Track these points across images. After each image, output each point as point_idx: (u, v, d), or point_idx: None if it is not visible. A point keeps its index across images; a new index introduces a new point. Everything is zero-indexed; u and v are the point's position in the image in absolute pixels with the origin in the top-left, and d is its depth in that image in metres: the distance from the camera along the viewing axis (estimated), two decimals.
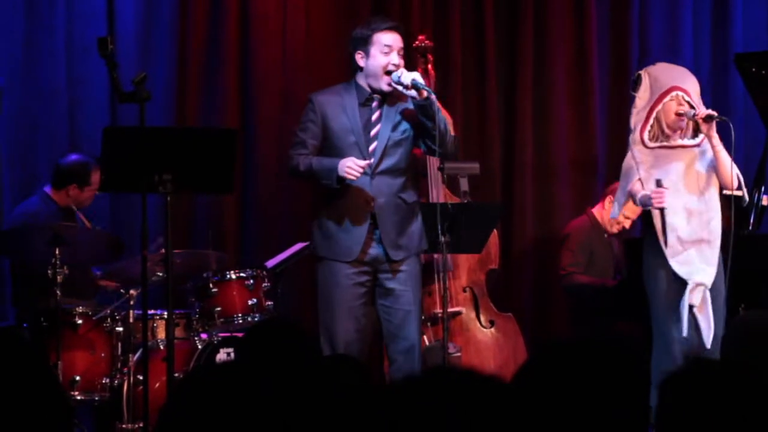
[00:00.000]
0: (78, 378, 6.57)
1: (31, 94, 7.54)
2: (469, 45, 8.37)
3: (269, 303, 6.91)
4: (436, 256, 6.99)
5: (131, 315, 6.68)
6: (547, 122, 8.45)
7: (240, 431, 2.34)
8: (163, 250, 5.98)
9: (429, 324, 7.26)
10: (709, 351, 5.98)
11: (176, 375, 5.74)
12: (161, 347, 6.69)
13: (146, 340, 5.74)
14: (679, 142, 6.31)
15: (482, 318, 7.66)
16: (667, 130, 6.29)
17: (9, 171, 7.50)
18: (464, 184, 7.56)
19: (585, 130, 8.49)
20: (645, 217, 6.42)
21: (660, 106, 6.29)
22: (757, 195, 7.01)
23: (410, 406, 2.17)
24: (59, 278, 6.32)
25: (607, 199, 7.75)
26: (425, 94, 5.80)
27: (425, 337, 7.13)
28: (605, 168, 8.43)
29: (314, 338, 5.55)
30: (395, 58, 5.93)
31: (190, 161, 5.54)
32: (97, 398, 6.66)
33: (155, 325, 6.87)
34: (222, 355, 6.75)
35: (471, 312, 7.65)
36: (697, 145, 6.30)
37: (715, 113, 6.20)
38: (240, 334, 6.81)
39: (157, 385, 6.41)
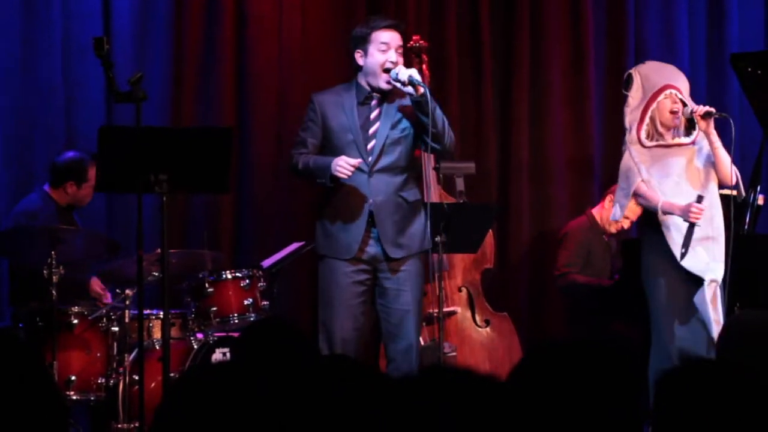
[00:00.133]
0: (73, 378, 6.56)
1: (27, 91, 7.54)
2: (464, 45, 8.38)
3: (265, 303, 6.91)
4: (431, 255, 6.99)
5: (127, 315, 6.68)
6: (543, 123, 8.46)
7: (236, 431, 2.34)
8: (158, 250, 5.98)
9: (424, 323, 7.25)
10: (707, 352, 5.98)
11: (172, 375, 5.73)
12: (157, 347, 6.69)
13: (142, 339, 5.72)
14: (676, 140, 6.32)
15: (477, 318, 7.67)
16: (661, 129, 6.31)
17: (5, 169, 7.50)
18: (460, 184, 7.57)
19: (581, 130, 8.49)
20: (645, 219, 6.41)
21: (654, 105, 6.30)
22: (753, 195, 7.01)
23: (406, 405, 2.17)
24: (55, 278, 6.31)
25: (607, 199, 7.75)
26: (421, 90, 5.81)
27: (420, 337, 7.13)
28: (601, 168, 8.43)
29: (310, 338, 5.56)
30: (393, 56, 5.95)
31: (186, 161, 5.54)
32: (92, 398, 6.66)
33: (151, 324, 6.86)
34: (218, 355, 6.75)
35: (466, 312, 7.66)
36: (692, 143, 6.31)
37: (713, 110, 6.22)
38: (236, 334, 6.81)
39: (153, 385, 6.40)
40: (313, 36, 8.08)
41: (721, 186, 6.31)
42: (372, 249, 5.97)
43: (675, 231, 6.18)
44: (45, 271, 6.32)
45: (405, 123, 5.99)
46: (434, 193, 7.28)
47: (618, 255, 7.80)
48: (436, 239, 6.17)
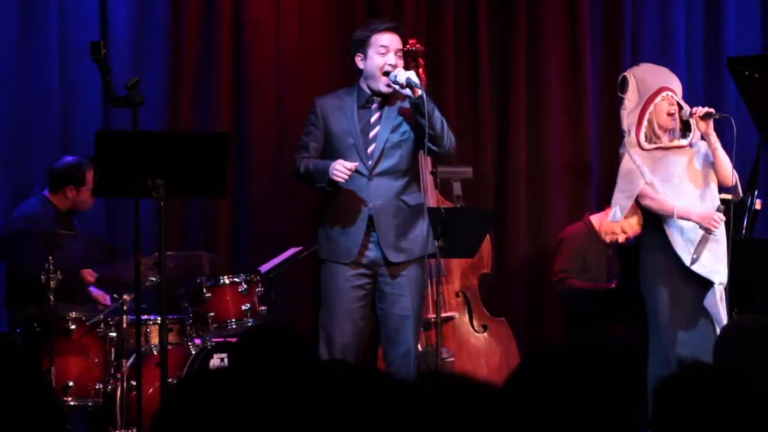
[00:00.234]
0: (71, 383, 6.55)
1: (24, 95, 7.53)
2: (462, 49, 8.37)
3: (263, 308, 6.90)
4: (429, 260, 6.99)
5: (124, 320, 6.67)
6: (541, 127, 8.45)
7: None
8: (156, 254, 5.98)
9: (422, 329, 7.25)
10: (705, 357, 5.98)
11: (170, 380, 5.73)
12: (155, 352, 6.68)
13: (139, 345, 5.72)
14: (675, 142, 6.32)
15: (475, 323, 7.66)
16: (658, 131, 6.31)
17: (2, 173, 7.50)
18: (457, 189, 7.56)
19: (578, 134, 8.49)
20: (645, 223, 6.40)
21: (651, 107, 6.31)
22: (750, 199, 7.01)
23: (404, 411, 2.17)
24: (52, 283, 6.31)
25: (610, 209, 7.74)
26: (419, 92, 5.82)
27: (419, 343, 7.13)
28: (599, 173, 8.43)
29: (308, 343, 5.56)
30: (392, 59, 5.95)
31: (183, 166, 5.54)
32: (90, 404, 6.65)
33: (148, 330, 6.86)
34: (215, 361, 6.74)
35: (464, 317, 7.65)
36: (689, 145, 6.32)
37: (713, 110, 6.24)
38: (233, 340, 6.80)
39: (151, 390, 6.40)
40: (311, 40, 8.08)
41: (720, 187, 6.32)
42: (372, 253, 5.97)
43: (679, 235, 6.18)
44: (42, 276, 6.32)
45: (405, 126, 5.99)
46: (431, 198, 7.28)
47: (615, 260, 7.80)
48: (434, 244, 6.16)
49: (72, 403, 6.58)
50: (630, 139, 6.31)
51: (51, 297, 6.32)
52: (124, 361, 6.63)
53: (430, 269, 6.32)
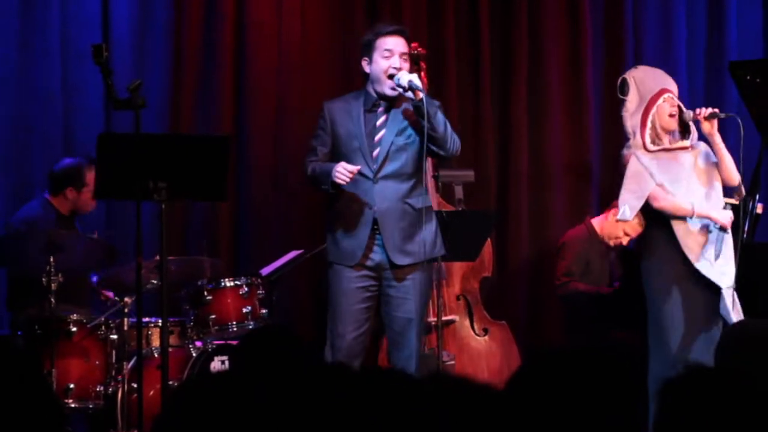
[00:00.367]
0: (72, 386, 6.55)
1: (25, 98, 7.53)
2: (463, 52, 8.37)
3: (264, 311, 6.90)
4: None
5: (125, 323, 6.67)
6: (542, 129, 8.45)
7: None
8: (157, 257, 5.98)
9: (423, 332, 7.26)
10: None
11: (171, 383, 5.73)
12: (155, 355, 6.68)
13: (140, 347, 5.72)
14: (680, 143, 6.34)
15: (476, 326, 7.66)
16: (660, 133, 6.32)
17: (3, 176, 7.50)
18: (459, 192, 7.57)
19: (580, 137, 8.48)
20: (651, 227, 6.39)
21: (654, 109, 6.31)
22: (752, 203, 7.02)
23: (405, 413, 2.17)
24: (53, 285, 6.31)
25: (611, 213, 7.74)
26: (420, 95, 5.83)
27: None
28: (600, 175, 8.43)
29: (309, 346, 5.56)
30: (396, 62, 5.96)
31: (184, 169, 5.54)
32: (91, 406, 6.65)
33: (150, 332, 6.86)
34: (216, 363, 6.74)
35: (465, 320, 7.65)
36: (691, 146, 6.34)
37: (717, 110, 6.25)
38: (234, 342, 6.80)
39: (152, 392, 6.40)
40: (312, 42, 8.09)
41: (724, 186, 6.34)
42: (377, 256, 5.97)
43: (688, 237, 6.19)
44: (43, 279, 6.32)
45: (411, 129, 5.99)
46: (433, 202, 7.28)
47: (617, 263, 7.80)
48: None
49: (73, 406, 6.58)
50: (636, 141, 6.31)
51: (52, 299, 6.32)
52: (125, 363, 6.64)
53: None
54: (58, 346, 6.44)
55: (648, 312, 6.30)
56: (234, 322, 6.83)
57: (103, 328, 6.66)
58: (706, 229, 6.21)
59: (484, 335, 7.68)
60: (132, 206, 5.53)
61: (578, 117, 8.48)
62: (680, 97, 6.48)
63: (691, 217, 6.19)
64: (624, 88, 6.38)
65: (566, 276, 7.70)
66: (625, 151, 6.37)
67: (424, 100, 5.82)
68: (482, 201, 8.15)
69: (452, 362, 7.40)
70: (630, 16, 8.59)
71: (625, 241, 7.75)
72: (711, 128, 6.24)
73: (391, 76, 5.94)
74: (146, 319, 6.70)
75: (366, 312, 5.99)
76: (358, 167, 5.86)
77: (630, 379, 2.42)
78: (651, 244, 6.34)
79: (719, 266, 6.17)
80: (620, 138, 6.55)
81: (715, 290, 6.18)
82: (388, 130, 6.00)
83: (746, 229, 6.92)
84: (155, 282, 6.55)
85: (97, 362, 6.66)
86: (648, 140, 6.30)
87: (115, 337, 6.68)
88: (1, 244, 6.66)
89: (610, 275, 7.85)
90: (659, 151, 6.31)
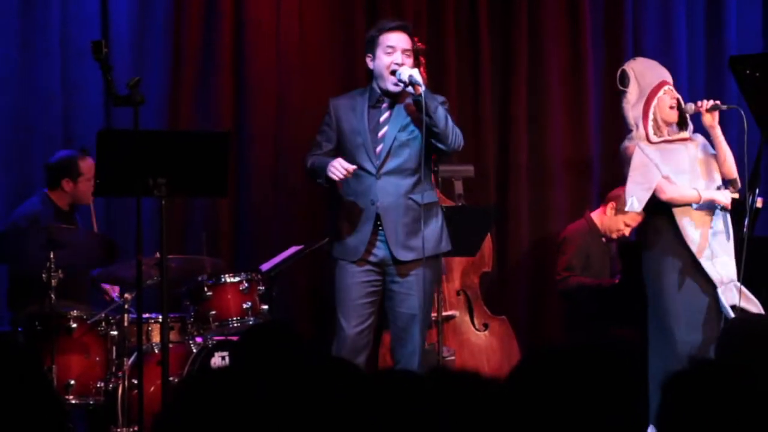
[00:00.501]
0: (72, 382, 6.55)
1: (25, 95, 7.54)
2: (463, 48, 8.38)
3: (264, 306, 6.91)
4: None
5: (126, 319, 6.67)
6: (542, 125, 8.45)
7: None
8: (157, 254, 5.99)
9: None
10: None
11: (171, 379, 5.73)
12: (156, 351, 6.68)
13: (141, 343, 5.73)
14: (681, 134, 6.35)
15: (476, 321, 7.67)
16: (661, 124, 6.33)
17: (4, 173, 7.50)
18: (458, 188, 7.57)
19: (579, 132, 8.49)
20: (653, 221, 6.39)
21: (655, 101, 6.33)
22: (751, 197, 7.01)
23: (406, 409, 2.17)
24: (54, 282, 6.32)
25: (609, 206, 7.74)
26: (420, 89, 5.84)
27: None
28: (600, 170, 8.44)
29: (309, 341, 5.57)
30: (398, 58, 5.97)
31: (184, 165, 5.55)
32: (91, 402, 6.65)
33: (150, 328, 6.86)
34: (217, 359, 6.75)
35: (465, 315, 7.65)
36: (690, 138, 6.36)
37: (719, 102, 6.27)
38: (235, 338, 6.81)
39: (152, 389, 6.40)
40: (311, 41, 8.09)
41: (722, 179, 6.36)
42: (380, 252, 5.98)
43: (692, 230, 6.20)
44: (44, 275, 6.32)
45: (413, 125, 6.00)
46: None
47: (617, 257, 7.80)
48: None
49: (73, 402, 6.58)
50: (639, 132, 6.32)
51: (52, 295, 6.32)
52: (125, 359, 6.63)
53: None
54: (59, 343, 6.45)
55: (648, 302, 6.30)
56: (234, 318, 6.83)
57: (103, 324, 6.66)
58: (708, 218, 6.22)
59: (484, 330, 7.68)
60: (131, 203, 5.53)
61: (578, 117, 8.48)
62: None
63: (698, 203, 6.21)
64: (624, 79, 6.39)
65: (567, 270, 7.70)
66: (627, 143, 6.37)
67: (424, 94, 5.83)
68: (482, 196, 8.15)
69: (452, 358, 7.41)
70: (630, 16, 8.59)
71: (627, 231, 7.77)
72: (712, 120, 6.26)
73: (393, 72, 5.95)
74: (146, 315, 6.69)
75: (370, 306, 6.00)
76: (354, 167, 5.87)
77: (630, 376, 2.42)
78: (652, 234, 6.34)
79: (721, 262, 6.18)
80: (620, 134, 6.55)
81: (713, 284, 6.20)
82: (391, 126, 6.00)
83: (746, 223, 6.93)
84: (156, 278, 6.55)
85: (97, 358, 6.66)
86: (651, 132, 6.31)
87: (115, 333, 6.68)
88: (1, 241, 6.66)
89: (611, 269, 7.85)
90: (661, 142, 6.32)
